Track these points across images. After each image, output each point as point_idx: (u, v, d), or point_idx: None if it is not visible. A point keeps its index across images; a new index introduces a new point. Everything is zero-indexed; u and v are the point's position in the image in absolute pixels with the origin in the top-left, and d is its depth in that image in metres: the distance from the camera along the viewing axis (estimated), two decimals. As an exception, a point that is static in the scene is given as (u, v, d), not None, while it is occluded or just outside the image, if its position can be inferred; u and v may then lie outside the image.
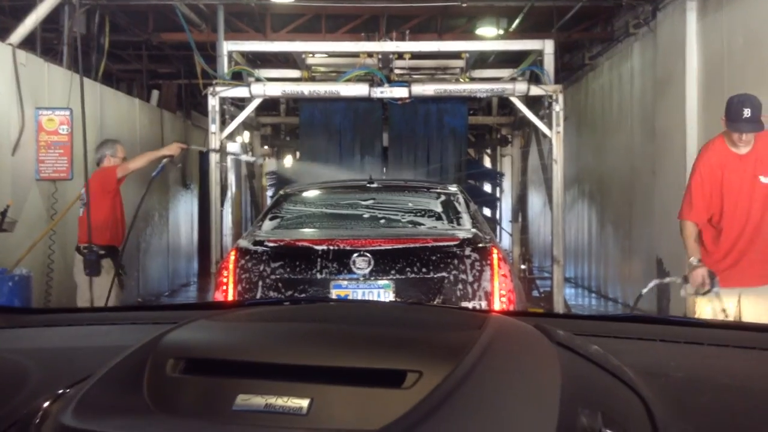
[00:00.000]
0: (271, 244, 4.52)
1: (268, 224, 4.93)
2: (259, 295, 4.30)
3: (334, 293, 4.32)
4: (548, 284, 9.38)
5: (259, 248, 4.47)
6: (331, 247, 4.38)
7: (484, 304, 4.31)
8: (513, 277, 4.67)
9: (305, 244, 4.54)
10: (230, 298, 4.33)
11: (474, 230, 4.74)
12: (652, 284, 4.62)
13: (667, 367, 1.26)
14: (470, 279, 4.35)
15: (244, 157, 8.06)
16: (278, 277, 4.34)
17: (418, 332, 1.17)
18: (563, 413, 0.90)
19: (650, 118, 7.92)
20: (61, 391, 1.06)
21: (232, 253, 4.52)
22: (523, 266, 8.44)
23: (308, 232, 4.87)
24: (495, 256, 4.45)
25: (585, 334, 1.36)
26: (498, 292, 4.37)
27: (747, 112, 4.06)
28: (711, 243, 4.37)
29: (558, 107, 7.39)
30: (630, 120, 8.73)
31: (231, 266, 4.42)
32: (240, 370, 1.00)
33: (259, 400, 0.93)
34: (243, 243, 4.61)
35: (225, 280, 4.41)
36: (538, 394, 0.94)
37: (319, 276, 4.33)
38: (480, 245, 4.49)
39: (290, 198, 5.33)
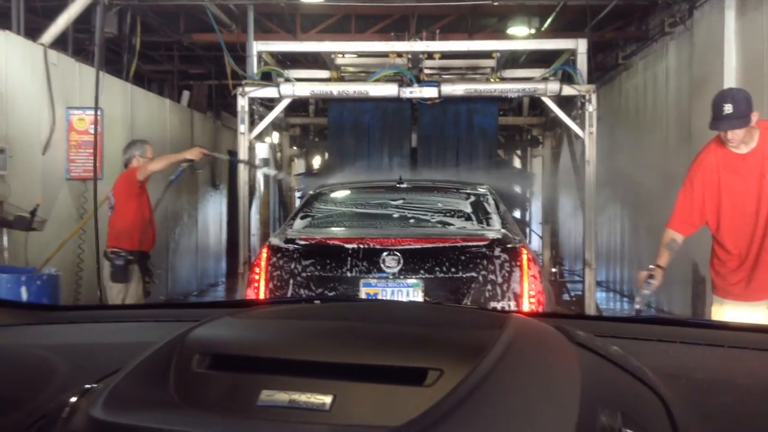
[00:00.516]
0: (302, 242, 4.59)
1: (299, 223, 4.98)
2: (290, 292, 4.37)
3: (363, 291, 4.34)
4: (579, 287, 9.24)
5: (291, 246, 4.53)
6: (361, 246, 4.42)
7: (513, 305, 4.30)
8: (542, 278, 4.65)
9: (336, 242, 4.58)
10: (262, 294, 4.40)
11: (504, 231, 4.73)
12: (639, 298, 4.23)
13: (686, 369, 1.26)
14: (499, 279, 4.35)
15: (266, 170, 7.94)
16: (309, 274, 4.40)
17: (440, 331, 1.18)
18: (583, 413, 0.90)
19: (686, 120, 7.72)
20: (88, 386, 1.07)
21: (264, 250, 4.58)
22: (554, 269, 8.29)
23: (339, 230, 4.90)
24: (524, 256, 4.44)
25: (605, 336, 1.37)
26: (527, 293, 4.36)
27: (728, 108, 3.80)
28: (722, 254, 4.07)
29: (591, 107, 7.24)
30: (665, 121, 8.54)
31: (263, 263, 4.49)
32: (264, 366, 1.02)
33: (283, 396, 0.95)
34: (275, 241, 4.66)
35: (257, 277, 4.48)
36: (558, 394, 0.95)
37: (349, 274, 4.37)
38: (509, 246, 4.48)
39: (321, 197, 5.37)
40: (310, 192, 5.65)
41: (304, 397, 0.94)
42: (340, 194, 5.60)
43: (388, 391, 0.95)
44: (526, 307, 4.32)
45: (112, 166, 7.16)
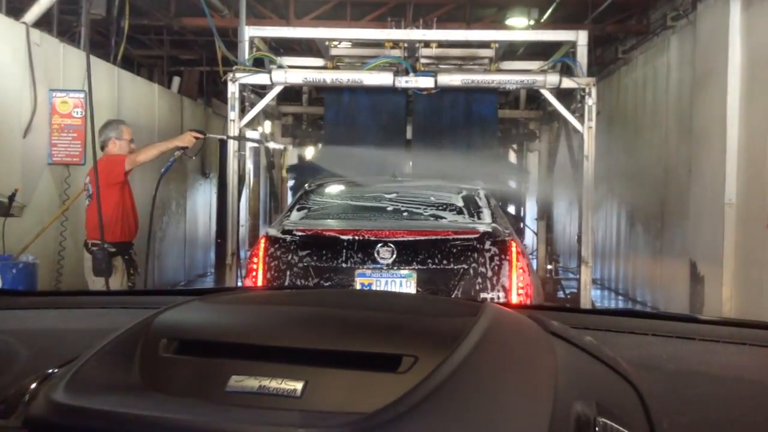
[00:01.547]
0: (299, 234, 4.71)
1: (295, 214, 5.11)
2: (287, 282, 4.49)
3: (358, 281, 4.49)
4: (574, 285, 9.07)
5: (288, 237, 4.66)
6: (356, 237, 4.57)
7: (501, 296, 4.47)
8: (531, 271, 4.79)
9: (332, 233, 4.71)
10: (260, 283, 4.54)
11: (494, 224, 4.87)
12: None
13: (659, 360, 1.29)
14: (489, 271, 4.51)
15: (272, 144, 7.70)
16: (305, 264, 4.55)
17: (415, 318, 1.17)
18: (558, 401, 0.91)
19: (687, 115, 7.56)
20: (50, 371, 1.05)
21: (262, 240, 4.72)
22: (549, 266, 8.12)
23: (334, 222, 5.03)
24: (513, 249, 4.61)
25: (578, 327, 1.37)
26: (516, 284, 4.52)
27: None
28: None
29: (591, 101, 7.07)
30: (665, 117, 8.37)
31: (261, 253, 4.63)
32: (234, 351, 1.00)
33: (252, 382, 0.93)
34: (272, 232, 4.79)
35: (255, 266, 4.62)
36: (533, 382, 0.95)
37: (344, 265, 4.53)
38: (499, 239, 4.65)
39: (317, 190, 5.51)
40: (306, 185, 5.70)
41: (274, 383, 0.92)
42: (336, 187, 5.69)
43: (361, 377, 0.94)
44: (514, 298, 4.47)
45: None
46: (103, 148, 5.41)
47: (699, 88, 7.28)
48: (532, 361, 1.01)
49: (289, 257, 4.56)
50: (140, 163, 5.46)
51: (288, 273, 4.53)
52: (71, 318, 1.63)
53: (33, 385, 1.02)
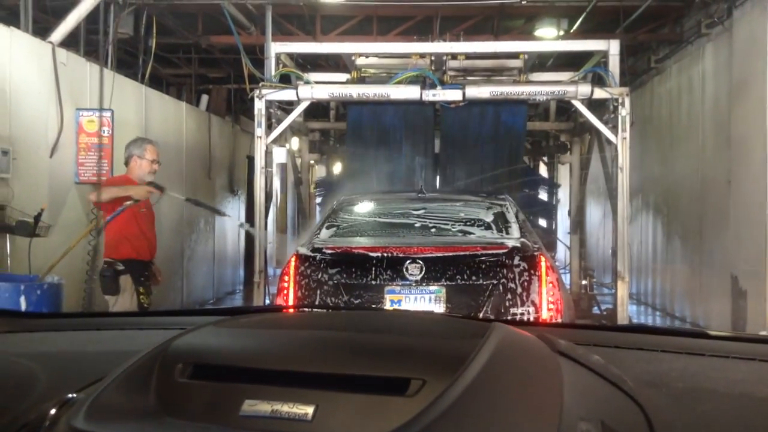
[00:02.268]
0: (329, 251, 4.73)
1: (325, 232, 5.13)
2: (317, 300, 4.54)
3: (387, 298, 4.49)
4: (608, 300, 8.83)
5: (318, 255, 4.68)
6: (385, 254, 4.58)
7: (531, 311, 4.43)
8: (562, 286, 4.73)
9: (361, 251, 4.73)
10: (291, 302, 4.57)
11: (522, 239, 4.83)
12: None
13: (667, 378, 1.28)
14: (518, 286, 4.47)
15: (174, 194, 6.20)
16: (336, 282, 4.56)
17: (422, 340, 1.18)
18: (564, 422, 0.91)
19: (725, 125, 7.32)
20: (69, 396, 1.07)
21: (293, 259, 4.73)
22: (584, 281, 7.90)
23: (363, 240, 5.03)
24: (543, 264, 4.56)
25: (587, 344, 1.39)
26: (546, 299, 4.47)
27: None
28: None
29: (624, 111, 6.89)
30: (701, 127, 8.13)
31: (291, 272, 4.64)
32: (247, 376, 1.02)
33: (265, 406, 0.95)
34: (302, 250, 4.81)
35: (286, 285, 4.64)
36: (540, 403, 0.95)
37: (373, 282, 4.52)
38: (528, 253, 4.60)
39: (345, 207, 5.53)
40: (334, 202, 5.74)
41: (286, 408, 0.95)
42: (364, 204, 5.71)
43: (370, 401, 0.95)
44: (544, 314, 4.43)
45: (122, 170, 6.93)
46: (126, 163, 5.39)
47: (737, 96, 7.04)
48: (538, 381, 1.02)
49: (319, 275, 4.58)
50: (100, 199, 5.26)
51: (318, 291, 4.55)
52: (89, 340, 1.64)
53: (53, 411, 1.04)
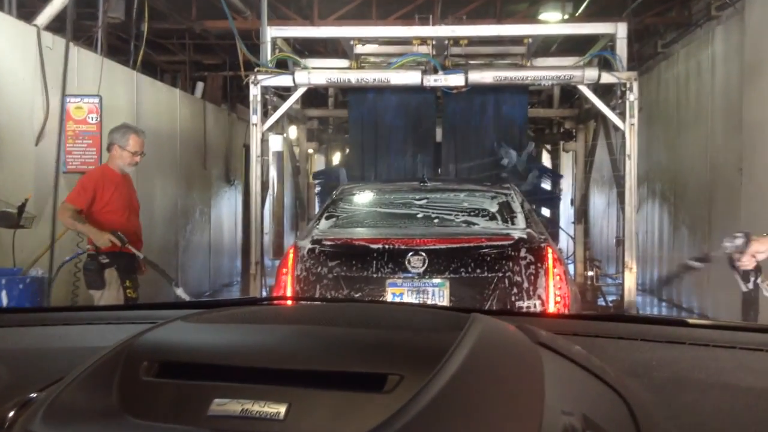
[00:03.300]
0: (329, 243, 4.57)
1: (324, 223, 4.96)
2: (317, 293, 4.38)
3: (389, 291, 4.35)
4: (613, 291, 8.61)
5: (317, 247, 4.52)
6: (387, 246, 4.42)
7: (538, 304, 4.31)
8: (568, 278, 4.59)
9: (361, 243, 4.56)
10: (289, 294, 4.42)
11: (528, 230, 4.69)
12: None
13: (648, 367, 1.28)
14: (524, 278, 4.33)
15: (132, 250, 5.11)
16: (335, 275, 4.40)
17: (400, 334, 1.14)
18: (545, 416, 0.90)
19: (736, 110, 7.07)
20: (31, 396, 1.03)
21: (291, 251, 4.60)
22: (590, 272, 7.68)
23: (364, 231, 4.85)
24: (550, 256, 4.42)
25: (567, 334, 1.38)
26: (553, 292, 4.35)
27: None
28: None
29: (633, 96, 6.65)
30: (710, 113, 7.89)
31: (290, 264, 4.50)
32: (216, 373, 0.98)
33: (235, 405, 0.91)
34: (301, 242, 4.66)
35: (284, 278, 4.49)
36: (521, 397, 0.93)
37: (375, 274, 4.37)
38: (534, 245, 4.46)
39: (345, 198, 5.35)
40: (334, 192, 5.54)
41: (257, 407, 0.91)
42: (365, 194, 5.52)
43: (345, 398, 0.92)
44: (551, 306, 4.32)
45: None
46: (109, 149, 5.06)
47: (750, 80, 6.80)
48: (519, 375, 0.99)
49: (319, 268, 4.43)
50: (60, 218, 4.99)
51: (317, 284, 4.39)
52: (55, 335, 1.56)
53: (11, 413, 0.99)
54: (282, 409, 0.89)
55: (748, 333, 1.53)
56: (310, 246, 4.52)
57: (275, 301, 2.15)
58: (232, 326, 1.24)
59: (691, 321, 1.59)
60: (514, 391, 0.94)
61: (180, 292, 4.85)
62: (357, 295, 4.35)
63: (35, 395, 1.02)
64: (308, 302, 1.84)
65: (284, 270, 4.50)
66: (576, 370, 1.10)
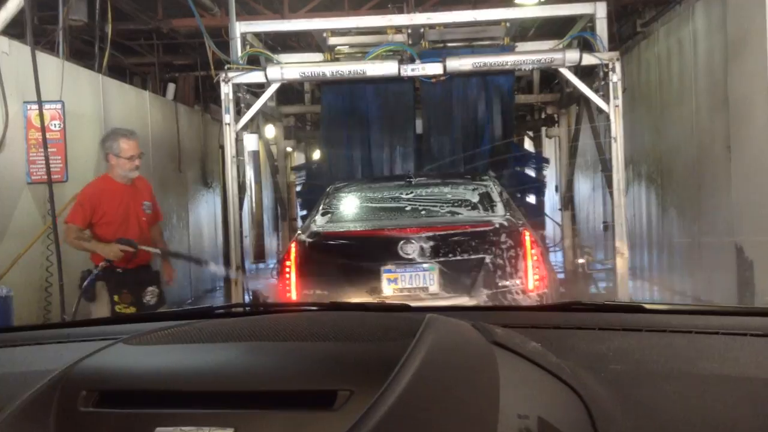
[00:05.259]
0: (327, 236, 5.06)
1: (320, 219, 5.38)
2: (318, 283, 4.78)
3: (384, 277, 4.77)
4: (602, 277, 8.43)
5: (316, 240, 4.98)
6: (380, 236, 4.91)
7: (518, 283, 4.74)
8: (545, 259, 5.06)
9: (357, 234, 5.06)
10: (294, 287, 4.79)
11: (507, 216, 5.14)
12: None
13: (605, 359, 1.26)
14: (505, 260, 4.75)
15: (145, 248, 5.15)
16: (335, 264, 4.82)
17: (349, 346, 1.10)
18: (501, 421, 0.88)
19: (721, 86, 6.91)
20: None
21: (293, 245, 4.97)
22: (581, 260, 7.51)
23: (358, 224, 5.28)
24: (527, 239, 4.85)
25: (524, 326, 1.40)
26: (531, 271, 4.77)
27: None
28: None
29: (616, 77, 6.48)
30: (694, 90, 7.72)
31: (292, 257, 4.87)
32: (159, 400, 0.95)
33: None
34: (302, 237, 5.04)
35: (288, 271, 4.85)
36: (475, 405, 0.92)
37: (370, 262, 4.81)
38: (513, 229, 4.91)
39: (338, 194, 5.76)
40: (327, 189, 5.90)
41: None
42: (355, 191, 5.93)
43: (294, 418, 0.89)
44: (530, 284, 4.75)
45: (80, 167, 6.41)
46: (106, 159, 4.91)
47: (734, 55, 6.63)
48: (473, 381, 0.97)
49: (319, 259, 4.87)
50: (67, 241, 4.80)
51: (319, 274, 4.81)
52: (2, 359, 1.49)
53: None
54: None
55: (704, 316, 1.51)
56: (310, 240, 4.96)
57: (231, 309, 2.03)
58: (175, 347, 1.18)
59: (647, 306, 1.57)
60: (467, 399, 0.92)
61: (215, 268, 5.06)
62: (355, 282, 4.72)
63: None
64: (258, 315, 1.71)
65: (287, 263, 4.87)
66: (532, 369, 1.08)
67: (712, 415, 1.08)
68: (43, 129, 4.89)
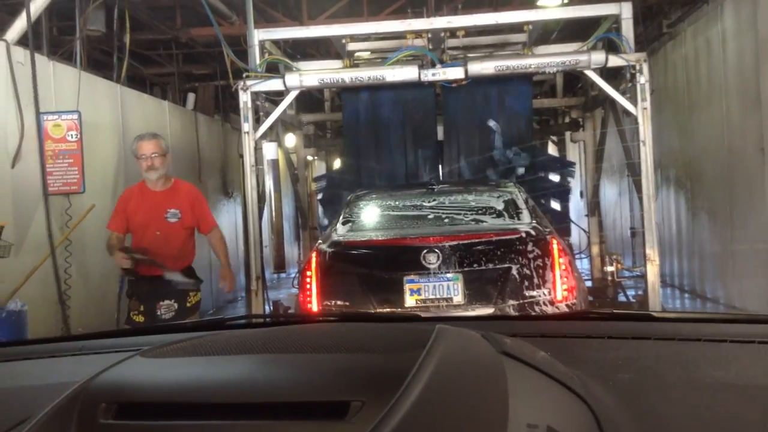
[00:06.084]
0: (348, 245, 4.93)
1: (341, 228, 5.27)
2: (340, 293, 4.70)
3: (407, 288, 4.62)
4: (630, 285, 8.19)
5: (337, 249, 4.86)
6: (403, 245, 4.76)
7: (545, 293, 4.57)
8: (574, 268, 4.82)
9: (379, 243, 4.90)
10: (314, 297, 4.71)
11: (533, 224, 4.95)
12: None
13: (615, 367, 1.27)
14: (532, 270, 4.57)
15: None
16: (356, 274, 4.70)
17: (360, 357, 1.11)
18: (511, 431, 0.89)
19: (753, 86, 6.69)
20: None
21: (314, 255, 4.86)
22: (610, 267, 7.28)
23: (380, 232, 5.15)
24: (555, 247, 4.66)
25: (533, 335, 1.41)
26: (559, 281, 4.59)
27: None
28: None
29: (643, 78, 6.29)
30: (724, 92, 7.49)
31: (313, 267, 4.77)
32: (176, 411, 0.97)
33: None
34: (323, 246, 4.93)
35: (309, 281, 4.75)
36: (485, 414, 0.93)
37: (393, 272, 4.66)
38: (540, 237, 4.72)
39: (359, 203, 5.65)
40: (349, 198, 5.82)
41: None
42: (377, 199, 5.80)
43: (308, 428, 0.90)
44: (559, 294, 4.56)
45: (99, 178, 6.35)
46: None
47: (766, 54, 6.41)
48: (483, 391, 0.98)
49: (340, 269, 4.75)
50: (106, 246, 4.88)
51: (340, 284, 4.72)
52: (17, 373, 1.50)
53: None
54: None
55: (712, 324, 1.51)
56: (331, 249, 4.84)
57: (241, 321, 2.01)
58: (191, 360, 1.20)
59: (656, 315, 1.57)
60: (477, 409, 0.93)
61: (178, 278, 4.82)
62: (378, 292, 4.61)
63: None
64: (268, 327, 1.71)
65: (308, 273, 4.78)
66: (541, 378, 1.09)
67: (720, 423, 1.08)
68: (41, 140, 4.81)
